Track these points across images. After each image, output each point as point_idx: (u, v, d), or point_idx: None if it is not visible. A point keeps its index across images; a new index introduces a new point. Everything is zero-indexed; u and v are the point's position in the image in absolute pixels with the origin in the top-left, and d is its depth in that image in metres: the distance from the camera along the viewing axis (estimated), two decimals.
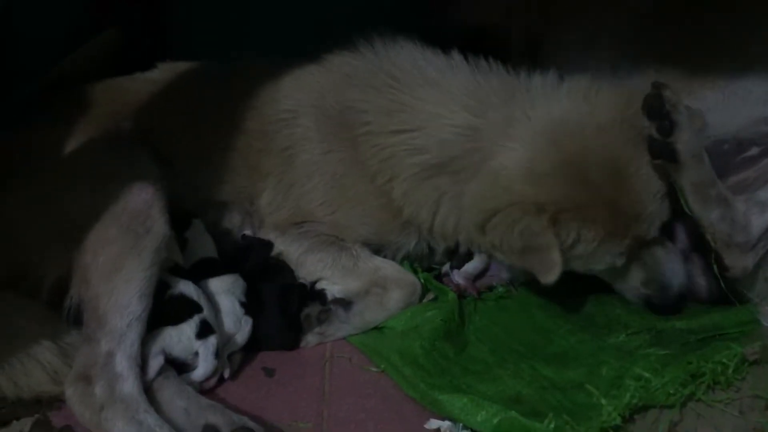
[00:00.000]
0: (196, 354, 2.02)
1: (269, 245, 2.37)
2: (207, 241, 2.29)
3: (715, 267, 2.14)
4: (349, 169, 2.32)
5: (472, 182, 2.14)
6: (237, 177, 2.42)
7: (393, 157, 2.26)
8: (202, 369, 2.02)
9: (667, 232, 2.20)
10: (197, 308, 2.06)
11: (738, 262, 2.10)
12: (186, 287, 2.09)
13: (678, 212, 2.14)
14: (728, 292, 2.16)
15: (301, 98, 2.39)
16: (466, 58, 2.30)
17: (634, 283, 2.19)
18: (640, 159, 2.06)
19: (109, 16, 2.88)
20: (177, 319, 2.03)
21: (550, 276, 2.04)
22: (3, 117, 2.46)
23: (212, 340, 2.03)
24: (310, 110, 2.37)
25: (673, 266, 2.17)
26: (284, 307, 2.22)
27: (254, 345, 2.18)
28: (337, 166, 2.33)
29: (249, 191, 2.43)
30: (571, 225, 2.03)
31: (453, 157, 2.19)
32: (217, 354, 2.04)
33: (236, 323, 2.14)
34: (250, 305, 2.19)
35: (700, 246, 2.21)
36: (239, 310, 2.15)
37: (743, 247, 2.09)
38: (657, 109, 2.01)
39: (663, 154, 2.03)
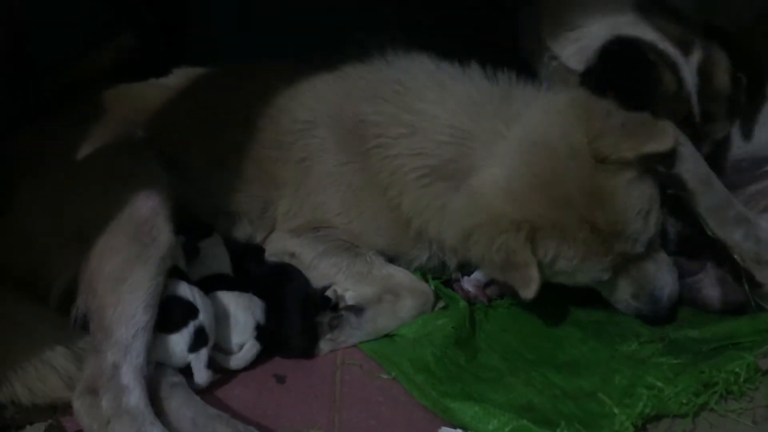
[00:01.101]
0: (188, 365, 2.01)
1: (262, 249, 2.39)
2: (223, 256, 2.29)
3: (746, 285, 2.15)
4: (364, 182, 2.33)
5: (455, 198, 2.17)
6: (251, 185, 2.42)
7: (401, 167, 2.27)
8: (196, 379, 2.01)
9: (665, 242, 2.22)
10: (193, 313, 2.03)
11: None
12: (181, 288, 2.06)
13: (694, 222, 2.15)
14: (759, 305, 2.16)
15: (318, 109, 2.40)
16: (481, 68, 2.32)
17: (623, 296, 2.19)
18: (616, 179, 2.05)
19: (125, 20, 2.90)
20: (171, 327, 2.00)
21: (528, 292, 2.05)
22: (18, 114, 2.48)
23: (204, 353, 2.01)
24: (327, 121, 2.38)
25: (662, 277, 2.17)
26: (306, 313, 2.21)
27: (267, 351, 2.16)
28: (353, 178, 2.35)
29: (263, 199, 2.43)
30: (549, 243, 2.05)
31: (447, 160, 2.21)
32: (210, 364, 2.02)
33: (238, 345, 2.11)
34: (269, 322, 2.17)
35: (712, 257, 2.21)
36: (251, 332, 2.11)
37: None
38: None
39: (671, 184, 2.08)
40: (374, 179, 2.31)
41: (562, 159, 2.06)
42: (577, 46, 2.24)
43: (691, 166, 2.05)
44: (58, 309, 2.06)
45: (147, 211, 2.06)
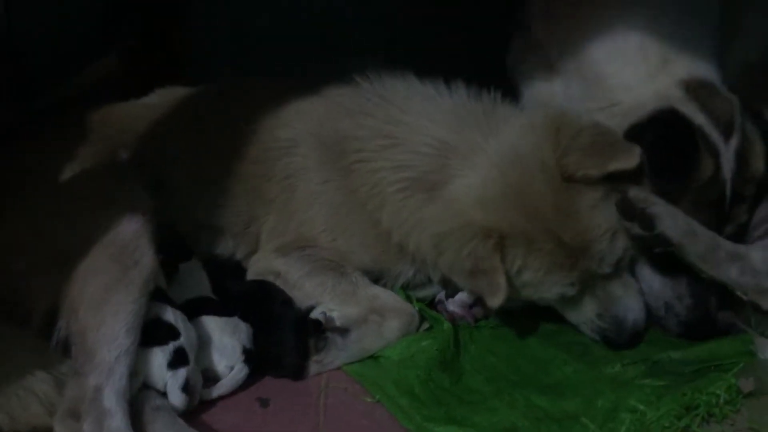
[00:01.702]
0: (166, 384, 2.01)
1: (242, 267, 2.39)
2: (203, 279, 2.29)
3: (753, 319, 2.17)
4: (347, 198, 2.34)
5: (431, 205, 2.19)
6: (236, 200, 2.43)
7: (381, 181, 2.28)
8: (170, 401, 1.99)
9: (632, 268, 2.23)
10: (174, 335, 2.03)
11: None
12: (163, 311, 2.06)
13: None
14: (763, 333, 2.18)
15: (300, 127, 2.41)
16: (466, 86, 2.34)
17: (588, 315, 2.21)
18: (583, 197, 2.08)
19: (118, 35, 2.91)
20: (152, 342, 2.00)
21: (495, 299, 2.07)
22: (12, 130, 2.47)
23: (182, 373, 2.00)
24: (308, 139, 2.39)
25: (628, 301, 2.19)
26: (299, 332, 2.20)
27: (254, 373, 2.15)
28: (336, 195, 2.35)
29: (248, 214, 2.44)
30: (517, 252, 2.08)
31: (427, 171, 2.23)
32: (186, 388, 2.00)
33: (228, 368, 2.10)
34: (256, 344, 2.16)
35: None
36: (239, 356, 2.11)
37: None
38: (630, 211, 2.07)
39: (657, 244, 2.09)
40: (356, 195, 2.33)
41: (533, 173, 2.10)
42: (620, 118, 2.20)
43: (671, 222, 2.07)
44: (40, 332, 2.05)
45: (130, 233, 2.05)
